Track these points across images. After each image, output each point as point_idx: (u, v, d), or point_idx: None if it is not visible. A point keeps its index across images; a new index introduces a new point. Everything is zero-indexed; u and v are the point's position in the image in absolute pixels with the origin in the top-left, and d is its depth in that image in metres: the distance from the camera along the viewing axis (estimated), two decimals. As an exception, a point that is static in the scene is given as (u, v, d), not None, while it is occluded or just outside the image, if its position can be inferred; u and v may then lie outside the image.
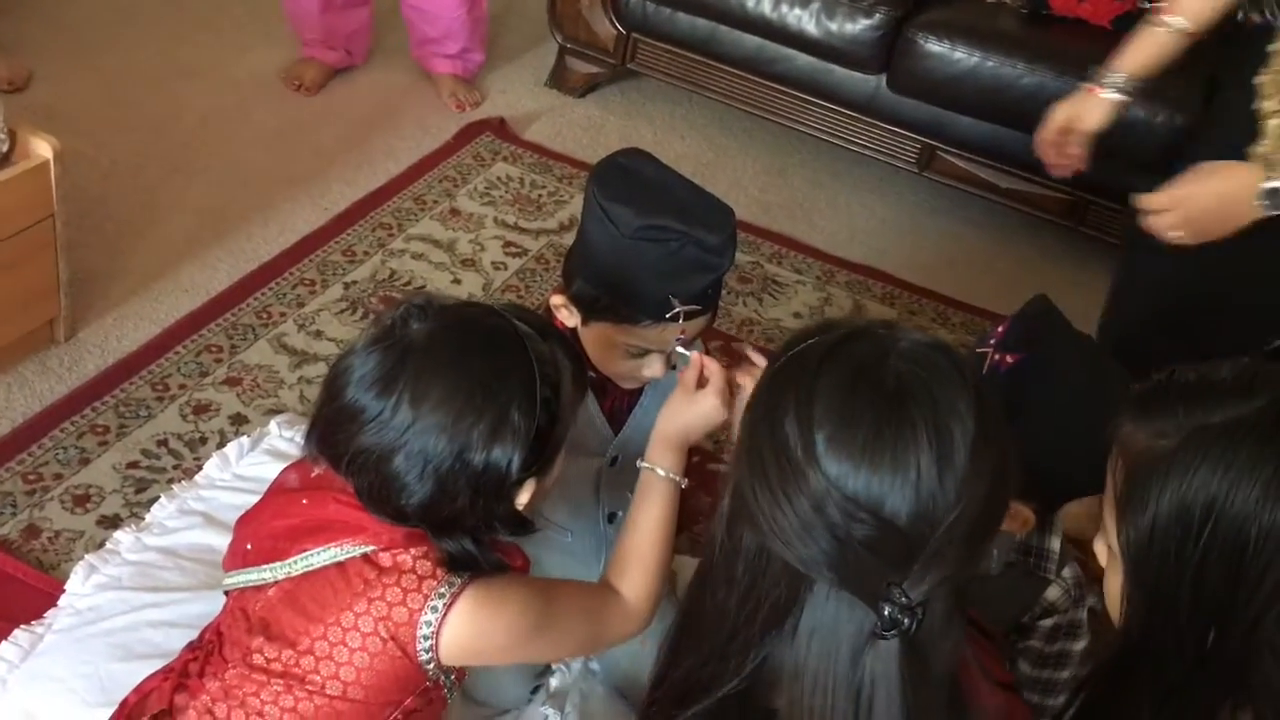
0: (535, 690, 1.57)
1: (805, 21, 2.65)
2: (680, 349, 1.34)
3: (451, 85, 2.90)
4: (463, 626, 1.11)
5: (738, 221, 2.69)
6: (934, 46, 2.57)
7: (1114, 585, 1.03)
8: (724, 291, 2.43)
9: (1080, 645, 1.43)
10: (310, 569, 1.13)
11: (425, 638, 1.11)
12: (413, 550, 1.12)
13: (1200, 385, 1.00)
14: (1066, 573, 1.39)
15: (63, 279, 1.97)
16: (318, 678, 1.12)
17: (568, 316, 1.38)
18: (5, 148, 1.82)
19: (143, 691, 1.24)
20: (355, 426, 1.08)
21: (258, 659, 1.14)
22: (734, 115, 2.96)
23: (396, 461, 1.08)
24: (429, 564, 1.12)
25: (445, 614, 1.10)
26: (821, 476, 0.86)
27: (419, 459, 1.08)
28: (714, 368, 1.29)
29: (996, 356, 1.28)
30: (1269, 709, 0.97)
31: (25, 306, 1.94)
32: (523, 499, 1.14)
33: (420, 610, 1.10)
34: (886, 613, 0.85)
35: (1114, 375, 1.30)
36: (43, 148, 1.84)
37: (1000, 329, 1.32)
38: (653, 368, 1.37)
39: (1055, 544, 1.38)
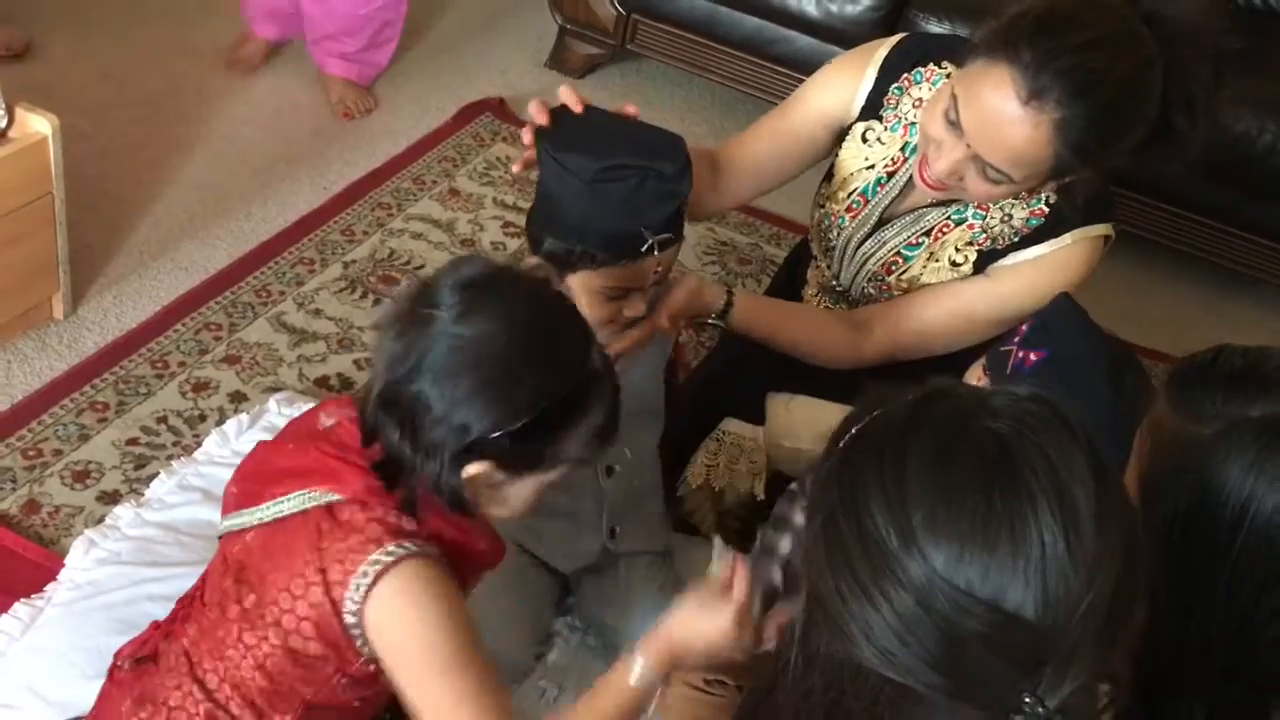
0: (538, 657, 1.58)
1: (805, 2, 2.64)
2: (718, 550, 1.21)
3: (341, 90, 2.68)
4: (385, 601, 1.09)
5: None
6: (935, 27, 2.57)
7: None
8: (723, 273, 2.45)
9: None
10: (280, 515, 1.14)
11: (353, 600, 1.09)
12: (370, 510, 1.11)
13: (1245, 372, 0.93)
14: None
15: (62, 256, 1.97)
16: (265, 624, 1.13)
17: None
18: (4, 124, 1.81)
19: (136, 641, 1.27)
20: (421, 305, 1.10)
21: (229, 602, 1.16)
22: (734, 96, 2.95)
23: (416, 350, 1.08)
24: (379, 528, 1.10)
25: (374, 581, 1.08)
26: (925, 565, 0.73)
27: (426, 363, 1.07)
28: (743, 584, 1.15)
29: (1020, 354, 1.28)
30: None
31: (25, 283, 1.94)
32: (469, 470, 1.10)
33: (354, 571, 1.09)
34: None
35: (1133, 370, 1.29)
36: (41, 124, 1.84)
37: (1024, 326, 1.32)
38: (633, 306, 1.39)
39: None
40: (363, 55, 2.70)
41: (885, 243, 1.67)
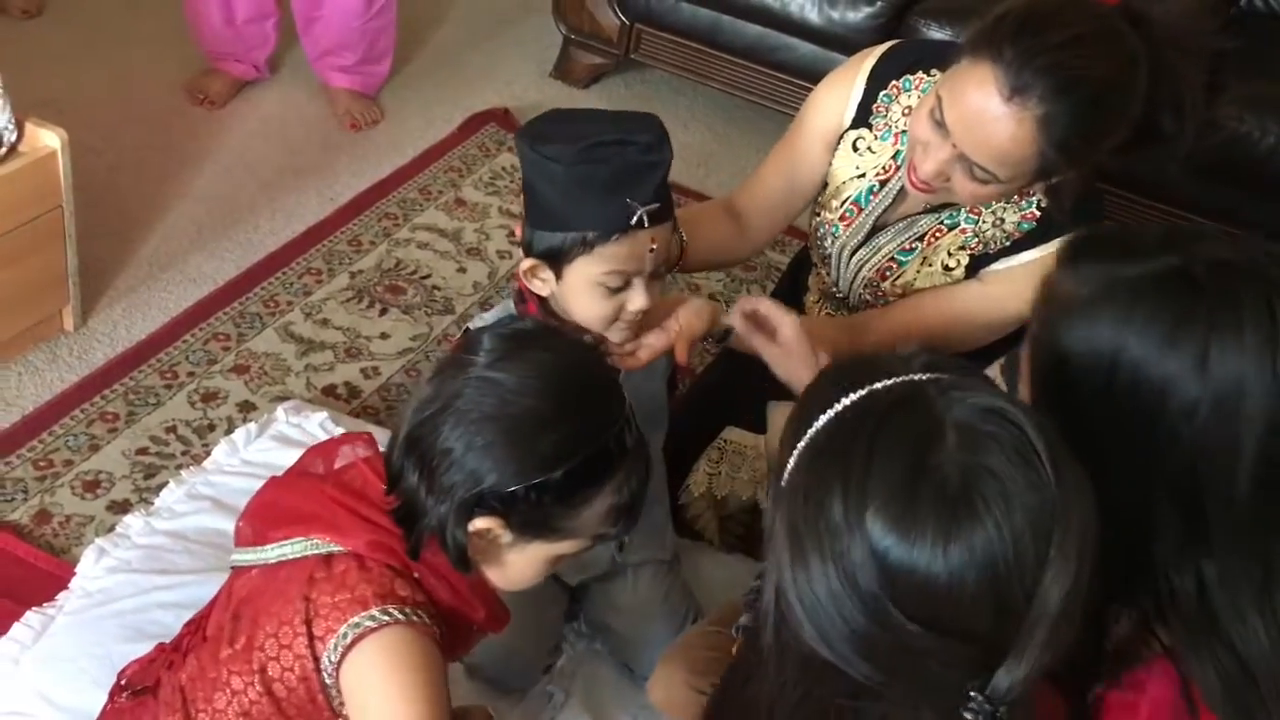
0: (546, 669, 1.59)
1: (807, 10, 2.66)
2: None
3: (347, 101, 2.71)
4: (359, 665, 1.06)
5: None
6: (935, 33, 2.58)
7: None
8: (727, 279, 2.46)
9: None
10: (283, 558, 1.13)
11: (330, 660, 1.07)
12: (366, 570, 1.09)
13: (1125, 240, 1.03)
14: None
15: (72, 269, 1.99)
16: (250, 671, 1.11)
17: (540, 285, 1.39)
18: (14, 138, 1.83)
19: (141, 663, 1.27)
20: (466, 351, 1.10)
21: (223, 641, 1.15)
22: (737, 104, 2.97)
23: (449, 397, 1.07)
24: (368, 590, 1.08)
25: (351, 645, 1.06)
26: (884, 585, 0.79)
27: (456, 408, 1.06)
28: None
29: None
30: (1172, 576, 0.97)
31: (35, 296, 1.96)
32: (476, 525, 1.07)
33: (334, 631, 1.07)
34: (970, 716, 0.78)
35: None
36: (50, 138, 1.86)
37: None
38: (637, 299, 1.37)
39: None
40: (363, 67, 2.73)
41: (879, 249, 1.68)
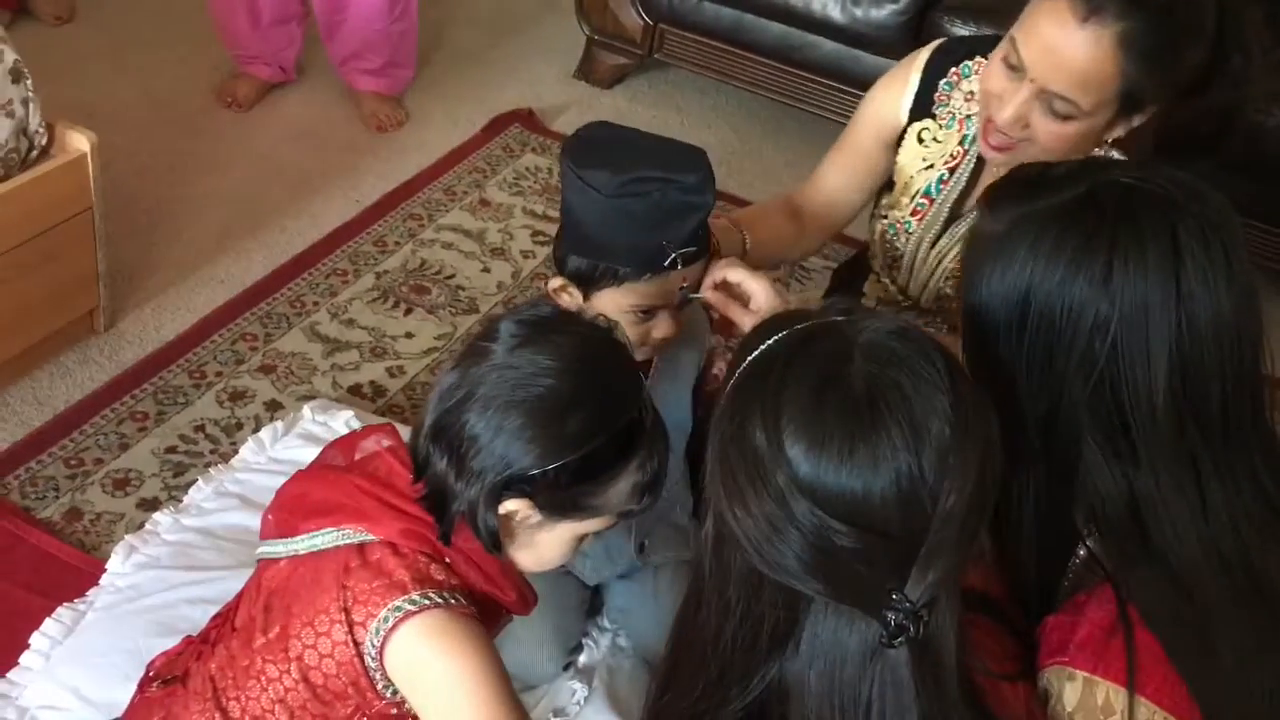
0: (566, 667, 1.59)
1: (830, 7, 2.65)
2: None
3: (373, 104, 2.74)
4: (404, 648, 1.09)
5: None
6: (961, 30, 2.56)
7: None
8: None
9: None
10: (314, 549, 1.14)
11: (372, 644, 1.09)
12: (401, 556, 1.11)
13: (1037, 176, 1.05)
14: None
15: (102, 270, 2.02)
16: (288, 658, 1.13)
17: (568, 301, 1.40)
18: (44, 141, 1.86)
19: (170, 655, 1.28)
20: (485, 339, 1.12)
21: (255, 630, 1.16)
22: (761, 103, 2.97)
23: (473, 386, 1.08)
24: (405, 575, 1.10)
25: (393, 628, 1.08)
26: (800, 492, 0.84)
27: (482, 395, 1.08)
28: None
29: None
30: (1091, 494, 1.01)
31: (66, 297, 1.99)
32: (506, 507, 1.09)
33: (376, 615, 1.09)
34: (891, 620, 0.83)
35: None
36: (80, 141, 1.89)
37: None
38: (662, 327, 1.39)
39: None
40: (388, 70, 2.75)
41: (962, 236, 1.65)
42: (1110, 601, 0.98)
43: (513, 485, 1.08)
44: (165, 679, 1.24)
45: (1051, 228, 1.00)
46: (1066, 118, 1.43)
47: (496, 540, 1.12)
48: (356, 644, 1.10)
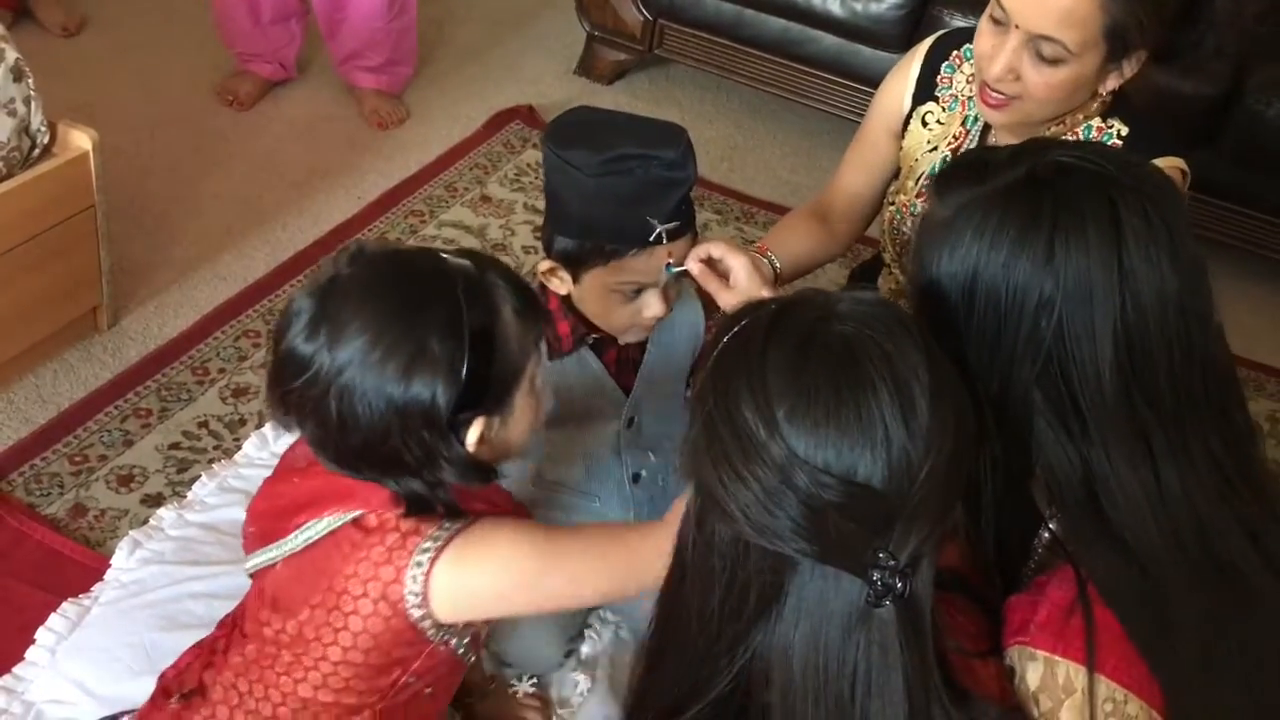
0: (568, 655, 1.60)
1: (830, 2, 2.65)
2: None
3: (374, 101, 2.75)
4: (449, 579, 1.10)
5: (767, 202, 2.73)
6: (960, 23, 2.57)
7: None
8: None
9: None
10: (310, 541, 1.14)
11: (414, 594, 1.10)
12: (398, 510, 1.11)
13: (980, 161, 1.06)
14: None
15: (105, 268, 2.02)
16: (320, 645, 1.13)
17: (559, 284, 1.41)
18: (46, 140, 1.87)
19: (179, 667, 1.28)
20: (290, 373, 1.07)
21: (268, 632, 1.16)
22: (761, 98, 2.97)
23: (328, 403, 1.05)
24: (413, 520, 1.11)
25: (430, 568, 1.09)
26: (788, 452, 0.84)
27: (346, 397, 1.05)
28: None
29: None
30: (1048, 474, 1.02)
31: (69, 295, 2.00)
32: (470, 438, 1.09)
33: (405, 567, 1.09)
34: (877, 579, 0.84)
35: None
36: (82, 140, 1.89)
37: None
38: (653, 306, 1.39)
39: None
40: (388, 67, 2.75)
41: None
42: (1070, 581, 0.99)
43: (455, 425, 1.08)
44: (184, 693, 1.24)
45: (995, 210, 1.01)
46: (1055, 61, 1.43)
47: (488, 470, 1.13)
48: (393, 603, 1.10)
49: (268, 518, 1.19)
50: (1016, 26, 1.43)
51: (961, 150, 1.66)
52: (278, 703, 1.17)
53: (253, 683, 1.18)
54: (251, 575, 1.23)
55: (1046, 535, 1.05)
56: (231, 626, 1.25)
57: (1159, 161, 1.56)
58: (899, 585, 0.84)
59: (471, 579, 1.11)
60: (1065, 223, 0.99)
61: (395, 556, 1.10)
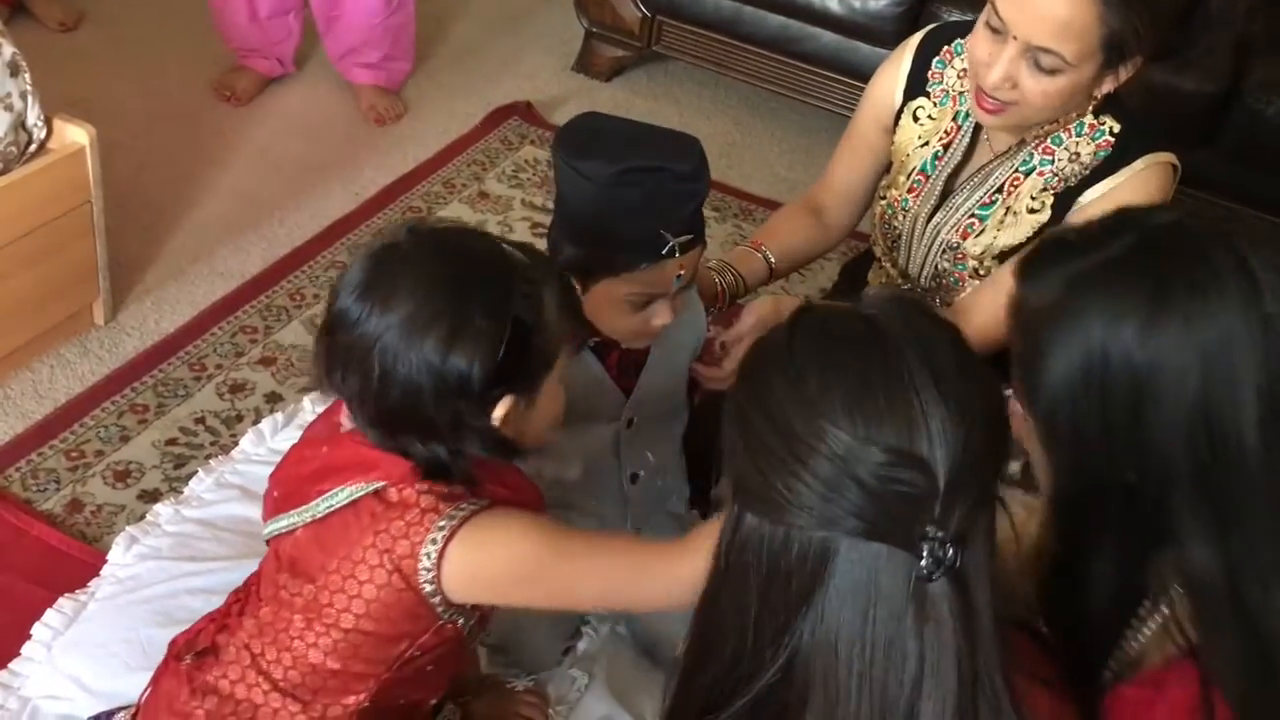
0: (566, 652, 1.60)
1: (828, -2, 2.65)
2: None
3: (371, 97, 2.74)
4: (462, 558, 1.12)
5: (765, 199, 2.73)
6: (957, 19, 2.56)
7: (1034, 448, 1.04)
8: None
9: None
10: (331, 509, 1.16)
11: (427, 569, 1.12)
12: (418, 485, 1.14)
13: (1074, 238, 1.02)
14: None
15: (101, 263, 2.02)
16: (333, 611, 1.15)
17: None
18: (43, 135, 1.87)
19: (190, 633, 1.29)
20: (341, 331, 1.12)
21: (284, 595, 1.18)
22: (760, 95, 2.97)
23: (371, 360, 1.09)
24: (433, 498, 1.13)
25: (444, 545, 1.12)
26: (830, 433, 0.84)
27: (388, 357, 1.09)
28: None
29: None
30: (1194, 554, 0.96)
31: (66, 290, 2.00)
32: (498, 414, 1.13)
33: (421, 543, 1.12)
34: (927, 552, 0.82)
35: None
36: (79, 135, 1.89)
37: None
38: (660, 316, 1.39)
39: None
40: (386, 63, 2.75)
41: (957, 208, 1.67)
42: (1193, 682, 0.94)
43: (486, 399, 1.12)
44: (198, 651, 1.26)
45: (1114, 282, 0.96)
46: (1053, 72, 1.44)
47: (511, 447, 1.17)
48: (406, 577, 1.12)
49: (291, 482, 1.21)
50: (1014, 37, 1.43)
51: (953, 145, 1.67)
52: (288, 665, 1.19)
53: (266, 644, 1.20)
54: (269, 540, 1.24)
55: (1159, 619, 0.98)
56: (246, 592, 1.27)
57: (1150, 158, 1.57)
58: (950, 554, 0.82)
59: (481, 562, 1.14)
60: (1200, 282, 0.94)
61: (413, 531, 1.12)
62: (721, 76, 2.96)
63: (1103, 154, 1.58)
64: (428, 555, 1.12)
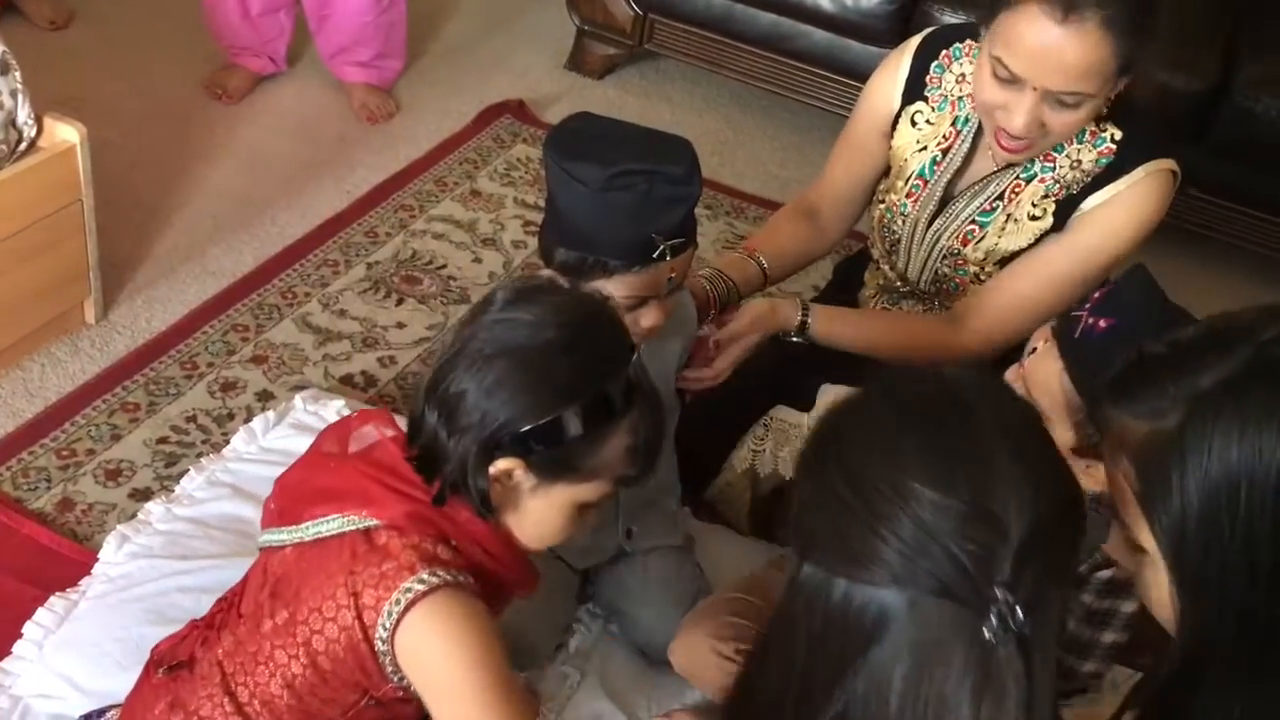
0: (557, 649, 1.60)
1: (820, -4, 2.66)
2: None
3: (363, 95, 2.74)
4: (416, 629, 1.09)
5: (758, 197, 2.73)
6: (950, 18, 2.57)
7: (1156, 586, 0.96)
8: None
9: (1130, 607, 1.41)
10: (320, 536, 1.14)
11: (385, 627, 1.09)
12: (406, 538, 1.11)
13: (1176, 354, 0.94)
14: None
15: (92, 262, 2.02)
16: (295, 643, 1.13)
17: None
18: (33, 133, 1.86)
19: (174, 639, 1.28)
20: (476, 311, 1.15)
21: (264, 616, 1.16)
22: (752, 93, 2.97)
23: (467, 349, 1.11)
24: (414, 555, 1.10)
25: (406, 609, 1.08)
26: (914, 491, 0.82)
27: (475, 350, 1.10)
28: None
29: (1090, 320, 1.29)
30: None
31: (57, 289, 1.99)
32: (500, 465, 1.10)
33: (386, 599, 1.09)
34: (994, 613, 0.80)
35: None
36: (69, 133, 1.88)
37: (1098, 294, 1.32)
38: (650, 316, 1.40)
39: None
40: (378, 61, 2.75)
41: (957, 215, 1.67)
42: None
43: (503, 444, 1.09)
44: (171, 665, 1.25)
45: (1249, 396, 0.88)
46: (1077, 105, 1.47)
47: (487, 502, 1.12)
48: (365, 628, 1.10)
49: (289, 498, 1.20)
50: (1034, 88, 1.45)
51: (952, 151, 1.67)
52: (251, 691, 1.17)
53: (237, 665, 1.18)
54: (261, 549, 1.23)
55: None
56: (230, 603, 1.25)
57: (1151, 165, 1.58)
58: (1018, 619, 0.79)
59: (424, 644, 1.10)
60: None
61: (384, 584, 1.09)
62: (713, 74, 2.96)
63: (1104, 161, 1.59)
64: (389, 613, 1.09)
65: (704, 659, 1.47)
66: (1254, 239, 2.62)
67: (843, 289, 1.94)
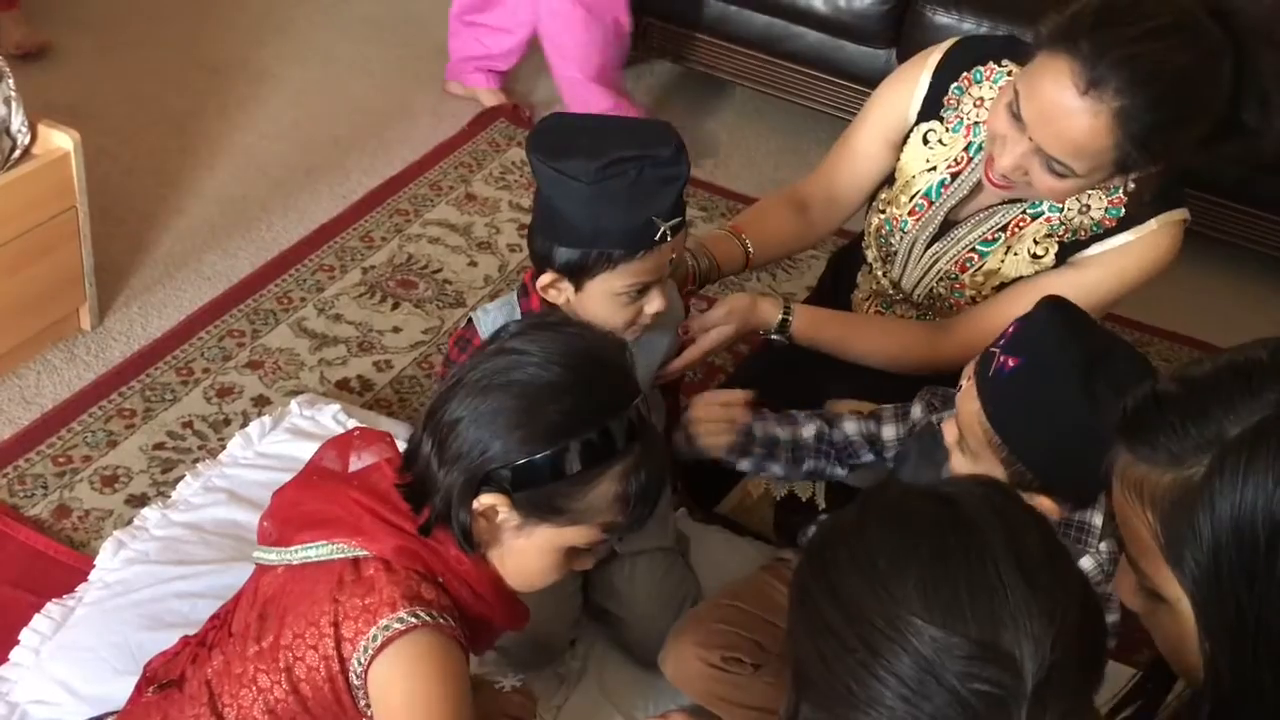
0: (572, 644, 1.59)
1: (813, -2, 2.66)
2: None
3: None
4: (388, 667, 1.07)
5: (753, 199, 2.72)
6: (943, 18, 2.58)
7: (1175, 634, 0.91)
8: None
9: (1111, 619, 1.38)
10: (309, 561, 1.13)
11: (359, 661, 1.08)
12: (391, 572, 1.10)
13: (1193, 395, 0.88)
14: (1103, 546, 1.35)
15: (87, 268, 2.02)
16: (279, 668, 1.12)
17: (556, 295, 1.40)
18: (27, 140, 1.86)
19: (167, 655, 1.28)
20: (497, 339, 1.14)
21: (250, 638, 1.15)
22: (747, 95, 2.98)
23: (477, 372, 1.10)
24: (396, 592, 1.08)
25: (383, 645, 1.07)
26: (912, 626, 0.76)
27: (483, 375, 1.09)
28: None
29: (1001, 359, 1.26)
30: None
31: (52, 295, 1.99)
32: (485, 500, 1.08)
33: (364, 634, 1.08)
34: None
35: (1107, 377, 1.22)
36: (63, 140, 1.89)
37: (1009, 329, 1.30)
38: (654, 303, 1.40)
39: (1097, 519, 1.35)
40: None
41: (958, 241, 1.66)
42: None
43: (489, 478, 1.07)
44: (162, 683, 1.24)
45: (1264, 445, 0.83)
46: (1062, 176, 1.45)
47: (469, 536, 1.10)
48: (342, 660, 1.09)
49: (282, 518, 1.19)
50: (1030, 139, 1.43)
51: (961, 177, 1.64)
52: (236, 713, 1.16)
53: (225, 687, 1.17)
54: (255, 565, 1.22)
55: None
56: (223, 620, 1.24)
57: (1163, 217, 1.56)
58: None
59: (393, 683, 1.08)
60: None
61: (363, 619, 1.08)
62: (709, 77, 2.97)
63: (1115, 211, 1.57)
64: (365, 648, 1.07)
65: (692, 668, 1.47)
66: (1262, 239, 2.62)
67: (836, 285, 1.93)
